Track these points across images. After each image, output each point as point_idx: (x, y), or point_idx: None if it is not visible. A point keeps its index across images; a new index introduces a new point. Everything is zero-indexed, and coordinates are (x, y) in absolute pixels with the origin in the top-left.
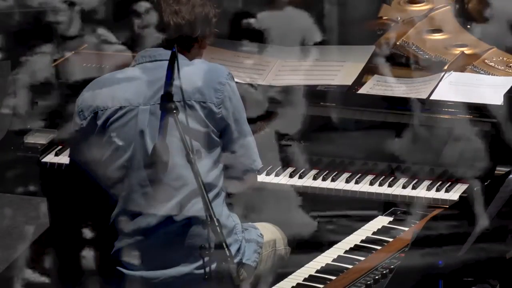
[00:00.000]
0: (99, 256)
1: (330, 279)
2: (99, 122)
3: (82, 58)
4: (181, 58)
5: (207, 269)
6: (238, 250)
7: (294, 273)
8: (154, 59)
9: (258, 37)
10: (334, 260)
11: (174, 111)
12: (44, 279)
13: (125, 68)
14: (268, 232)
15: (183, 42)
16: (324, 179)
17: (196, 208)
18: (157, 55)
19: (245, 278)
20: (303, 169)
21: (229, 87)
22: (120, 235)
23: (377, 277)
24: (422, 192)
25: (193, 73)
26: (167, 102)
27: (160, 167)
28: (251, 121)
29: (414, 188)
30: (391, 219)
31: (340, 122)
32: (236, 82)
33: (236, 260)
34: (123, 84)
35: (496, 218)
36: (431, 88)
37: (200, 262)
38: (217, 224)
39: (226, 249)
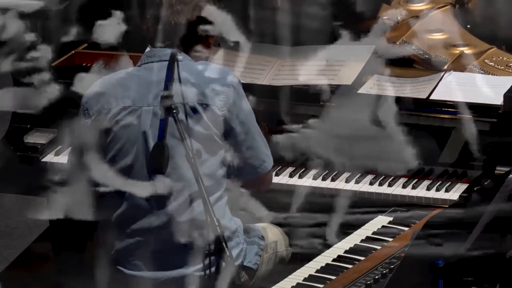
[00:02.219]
0: (100, 256)
1: (330, 279)
2: (103, 122)
3: (82, 57)
4: (186, 59)
5: (208, 270)
6: (240, 252)
7: (294, 273)
8: (159, 59)
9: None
10: (334, 260)
11: (174, 112)
12: (44, 278)
13: (130, 68)
14: (270, 233)
15: (186, 42)
16: (324, 179)
17: (197, 209)
18: (162, 55)
19: (246, 280)
20: (303, 169)
21: (233, 89)
22: (121, 235)
23: (377, 277)
24: (422, 192)
25: (196, 74)
26: (167, 103)
27: (159, 168)
28: None
29: (414, 188)
30: (391, 219)
31: (339, 122)
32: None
33: (237, 263)
34: (128, 84)
35: (496, 217)
36: (431, 88)
37: (201, 264)
38: (217, 224)
39: (226, 250)
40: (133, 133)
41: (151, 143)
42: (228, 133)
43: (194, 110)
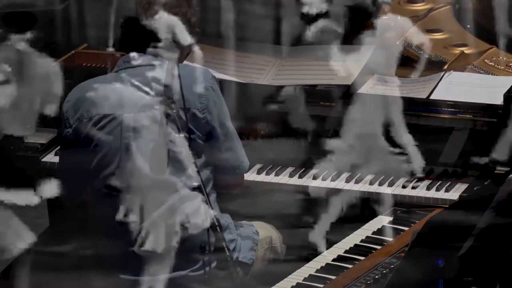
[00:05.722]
0: (96, 260)
1: (330, 279)
2: (84, 131)
3: (82, 57)
4: (163, 62)
5: (207, 269)
6: (234, 248)
7: (294, 273)
8: (136, 65)
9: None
10: (334, 260)
11: (165, 116)
12: (43, 279)
13: (107, 74)
14: (263, 229)
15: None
16: (324, 179)
17: (190, 210)
18: (140, 59)
19: (242, 276)
20: (303, 169)
21: (213, 91)
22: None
23: (377, 277)
24: (422, 192)
25: (177, 77)
26: (154, 108)
27: (158, 171)
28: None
29: (414, 188)
30: (391, 219)
31: (339, 122)
32: (236, 82)
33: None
34: (107, 91)
35: (496, 217)
36: (431, 88)
37: (199, 263)
38: (217, 224)
39: (226, 250)
40: (115, 141)
41: (134, 149)
42: (209, 134)
43: (176, 115)
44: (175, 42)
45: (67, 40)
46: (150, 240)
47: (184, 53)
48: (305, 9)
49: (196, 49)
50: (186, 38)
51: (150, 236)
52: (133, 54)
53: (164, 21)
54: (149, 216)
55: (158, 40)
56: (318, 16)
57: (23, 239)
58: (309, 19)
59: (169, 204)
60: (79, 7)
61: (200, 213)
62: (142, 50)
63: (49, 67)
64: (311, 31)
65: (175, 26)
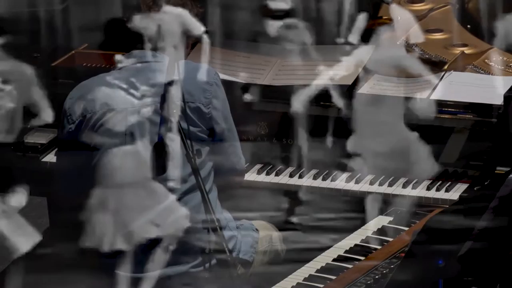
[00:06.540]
0: (95, 256)
1: (330, 279)
2: (88, 126)
3: (82, 57)
4: (165, 58)
5: (207, 265)
6: (234, 245)
7: (294, 273)
8: (140, 61)
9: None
10: (334, 260)
11: (166, 112)
12: (44, 279)
13: (111, 71)
14: (264, 229)
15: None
16: (324, 179)
17: (190, 206)
18: (142, 56)
19: (243, 273)
20: (303, 169)
21: (217, 87)
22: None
23: (377, 277)
24: (422, 192)
25: (181, 74)
26: (155, 104)
27: (160, 169)
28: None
29: (414, 188)
30: (391, 219)
31: (339, 122)
32: (236, 82)
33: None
34: (110, 87)
35: (495, 218)
36: (431, 88)
37: (198, 260)
38: (217, 224)
39: (225, 246)
40: (120, 136)
41: (139, 144)
42: (213, 130)
43: (181, 109)
44: (186, 34)
45: (53, 44)
46: (142, 237)
47: (187, 50)
48: (275, 5)
49: (205, 39)
50: (199, 27)
51: (140, 233)
52: (136, 51)
53: (173, 14)
54: (145, 213)
55: (159, 36)
56: (287, 14)
57: (29, 238)
58: (277, 15)
59: (167, 201)
60: (65, 12)
61: (198, 210)
62: (141, 47)
63: (26, 75)
64: (274, 27)
65: (185, 17)
